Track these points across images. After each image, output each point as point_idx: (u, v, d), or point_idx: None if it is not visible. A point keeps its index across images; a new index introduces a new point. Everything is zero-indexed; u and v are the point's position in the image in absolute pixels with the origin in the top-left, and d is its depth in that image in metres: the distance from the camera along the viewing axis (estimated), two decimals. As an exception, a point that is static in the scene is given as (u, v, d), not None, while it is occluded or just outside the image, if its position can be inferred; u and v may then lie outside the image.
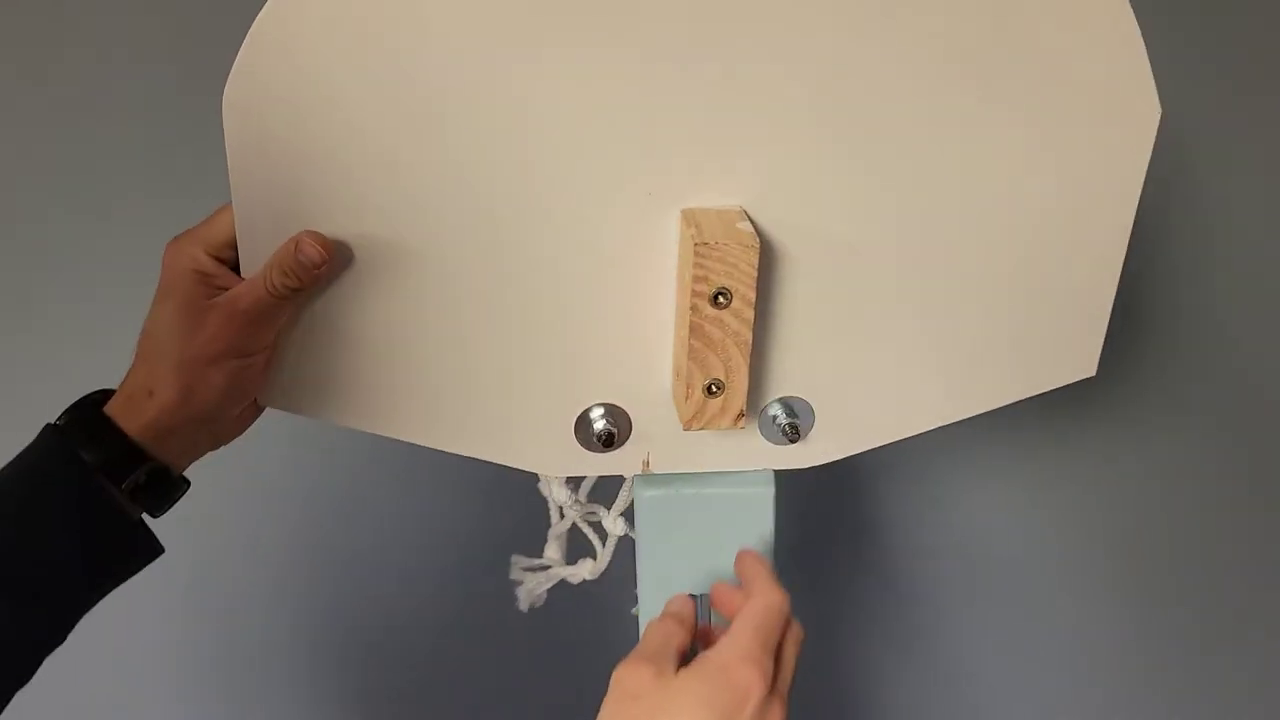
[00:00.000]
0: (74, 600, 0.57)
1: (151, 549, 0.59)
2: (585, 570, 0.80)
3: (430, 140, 0.57)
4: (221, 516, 0.99)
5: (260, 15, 0.54)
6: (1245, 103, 1.06)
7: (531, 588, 0.83)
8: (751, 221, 0.60)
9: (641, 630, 0.70)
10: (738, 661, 0.54)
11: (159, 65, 0.92)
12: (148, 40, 0.92)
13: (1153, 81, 0.60)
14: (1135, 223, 0.65)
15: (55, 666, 0.57)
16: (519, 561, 0.83)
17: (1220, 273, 1.12)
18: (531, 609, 0.83)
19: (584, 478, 0.74)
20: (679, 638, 0.58)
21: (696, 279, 0.57)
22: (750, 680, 0.53)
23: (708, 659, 0.55)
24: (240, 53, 0.54)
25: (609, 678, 0.55)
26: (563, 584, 0.79)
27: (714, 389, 0.61)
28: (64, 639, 0.57)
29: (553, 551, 0.81)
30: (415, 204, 0.59)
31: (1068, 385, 0.70)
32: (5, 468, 0.56)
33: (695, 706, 0.52)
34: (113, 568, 0.58)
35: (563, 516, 0.78)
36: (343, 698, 1.17)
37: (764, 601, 0.57)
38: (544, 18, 0.55)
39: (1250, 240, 1.11)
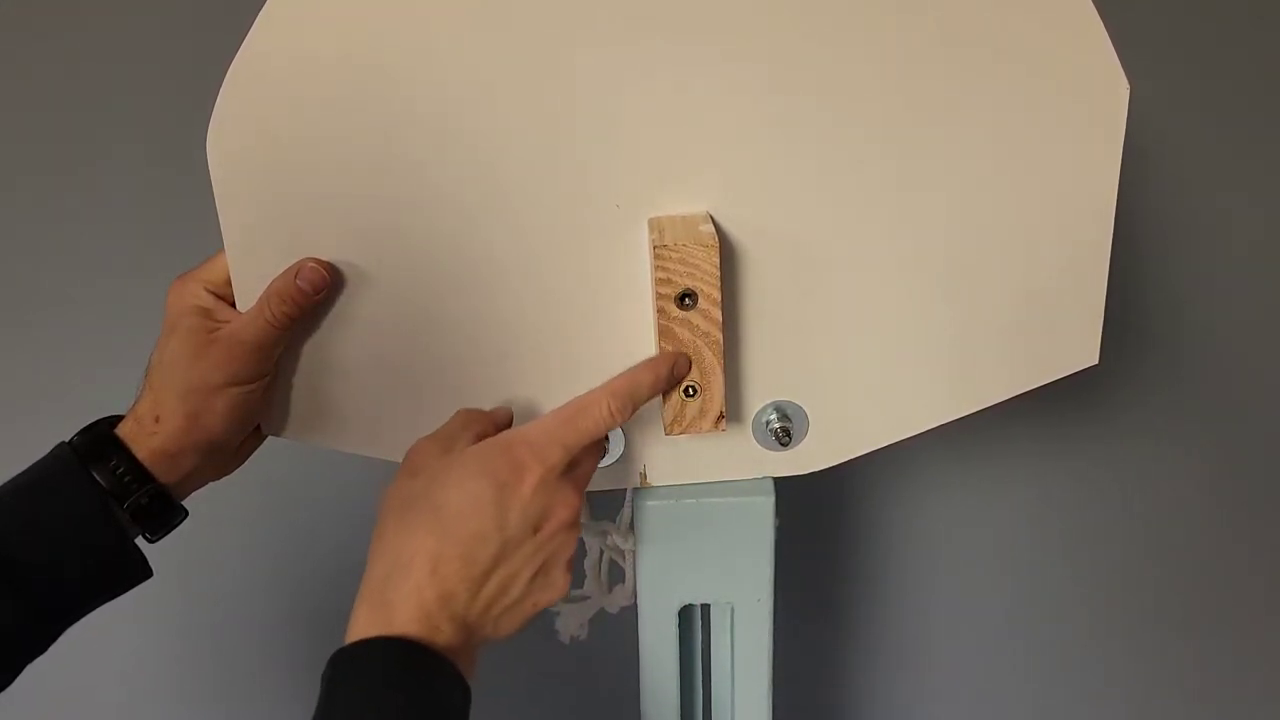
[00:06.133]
0: (65, 610, 0.59)
1: (143, 570, 0.61)
2: (620, 597, 0.80)
3: (408, 170, 0.60)
4: (216, 520, 1.00)
5: (236, 58, 0.57)
6: (1244, 105, 1.05)
7: (569, 618, 0.84)
8: (719, 226, 0.61)
9: (640, 631, 0.71)
10: (523, 441, 0.54)
11: (167, 71, 0.97)
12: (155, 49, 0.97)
13: (1115, 57, 0.60)
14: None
15: (56, 673, 0.59)
16: (558, 595, 0.83)
17: (1216, 276, 1.11)
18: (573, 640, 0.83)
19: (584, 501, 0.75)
20: (480, 425, 0.58)
21: (660, 281, 0.58)
22: (527, 458, 0.53)
23: (499, 436, 0.55)
24: (220, 95, 0.58)
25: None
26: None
27: (690, 391, 0.61)
28: (46, 647, 0.59)
29: (591, 583, 0.82)
30: (397, 232, 0.62)
31: (1069, 382, 0.68)
32: (16, 477, 0.59)
33: (470, 474, 0.53)
34: (106, 583, 0.60)
35: (601, 554, 0.78)
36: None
37: (579, 402, 0.56)
38: (501, 44, 0.58)
39: (1249, 243, 1.09)
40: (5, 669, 0.58)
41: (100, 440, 0.60)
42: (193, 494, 0.64)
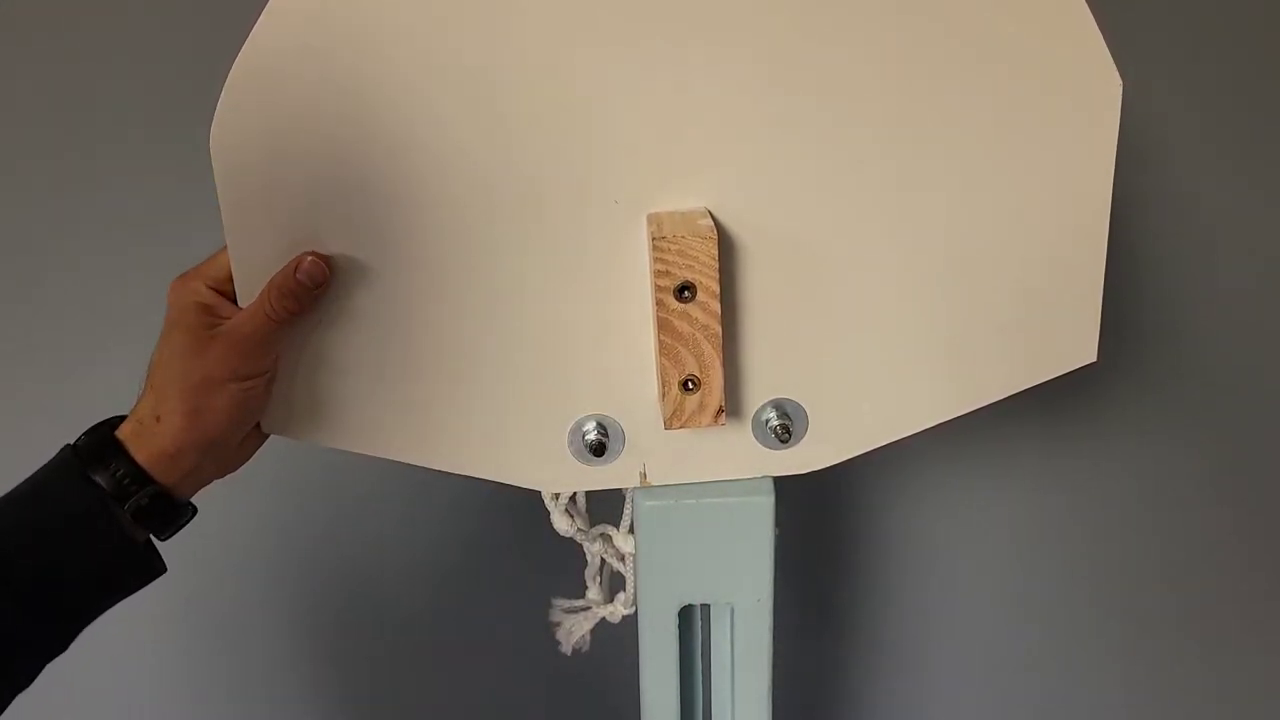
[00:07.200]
0: (77, 612, 0.60)
1: (153, 569, 0.62)
2: (621, 605, 0.80)
3: (409, 167, 0.61)
4: (219, 519, 1.02)
5: (240, 55, 0.58)
6: (1238, 101, 1.06)
7: (571, 628, 0.83)
8: (718, 223, 0.62)
9: (640, 632, 0.71)
10: None
11: (169, 72, 0.98)
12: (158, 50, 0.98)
13: (1109, 55, 0.61)
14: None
15: (57, 672, 0.59)
16: (559, 604, 0.83)
17: (1214, 273, 1.11)
18: (576, 651, 0.83)
19: (583, 508, 0.75)
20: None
21: (658, 274, 0.58)
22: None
23: None
24: (224, 92, 0.59)
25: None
26: (555, 586, 0.79)
27: (690, 385, 0.61)
28: (65, 647, 0.60)
29: (593, 592, 0.82)
30: (397, 228, 0.62)
31: (1067, 380, 0.69)
32: (23, 484, 0.60)
33: None
34: (115, 584, 0.61)
35: (603, 563, 0.78)
36: (344, 699, 1.18)
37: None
38: (502, 41, 0.59)
39: (1246, 240, 1.10)
40: (24, 671, 0.59)
41: (101, 443, 0.60)
42: (196, 492, 0.64)
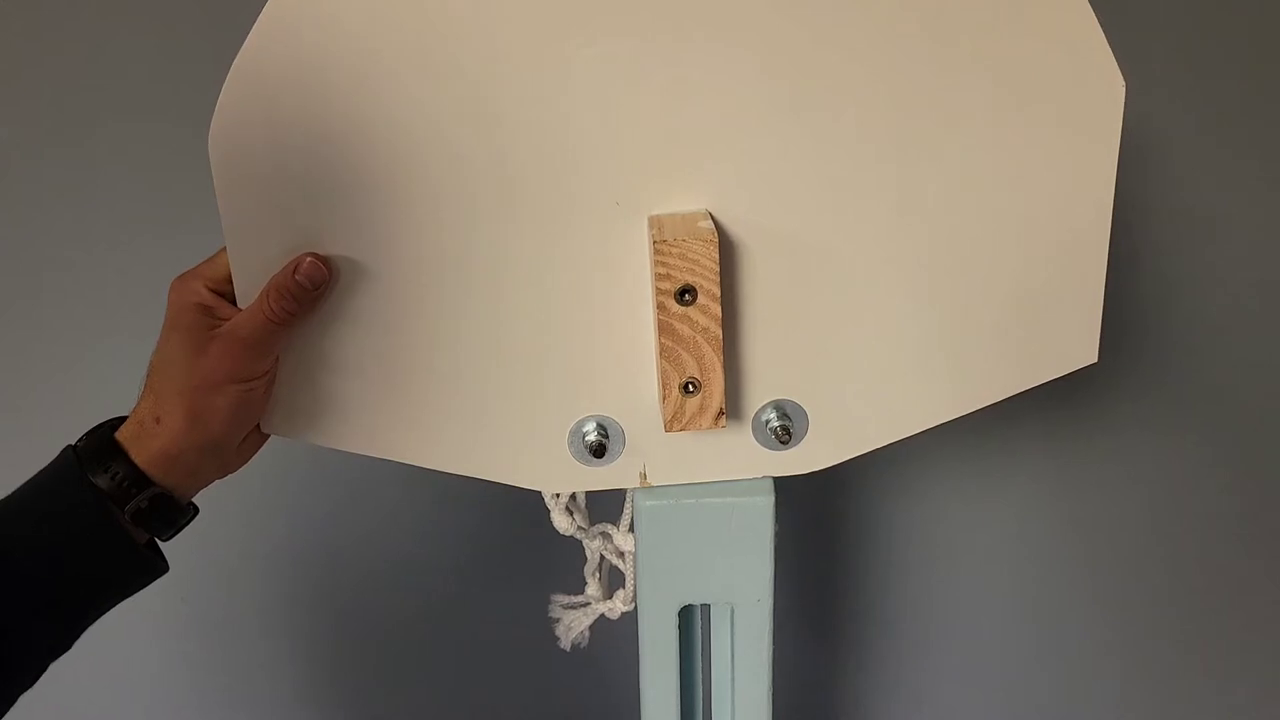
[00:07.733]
0: (81, 612, 0.60)
1: (155, 569, 0.62)
2: (620, 602, 0.80)
3: (409, 167, 0.61)
4: (219, 521, 1.02)
5: (240, 54, 0.58)
6: (1241, 102, 1.06)
7: (570, 624, 0.83)
8: (719, 224, 0.61)
9: (640, 632, 0.71)
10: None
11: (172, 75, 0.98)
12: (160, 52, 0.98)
13: (1112, 56, 0.60)
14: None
15: (55, 670, 0.60)
16: (558, 599, 0.83)
17: (1216, 274, 1.11)
18: (575, 646, 0.83)
19: (583, 505, 0.75)
20: None
21: (659, 277, 0.58)
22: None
23: None
24: (223, 91, 0.58)
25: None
26: (555, 583, 0.79)
27: (691, 388, 0.61)
28: (70, 646, 0.60)
29: (592, 588, 0.82)
30: (397, 229, 0.62)
31: (1069, 381, 0.69)
32: (24, 485, 0.60)
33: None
34: (117, 584, 0.61)
35: (602, 559, 0.78)
36: (343, 697, 1.19)
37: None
38: (500, 42, 0.58)
39: (1248, 240, 1.10)
40: (29, 669, 0.59)
41: (101, 445, 0.60)
42: (197, 493, 0.64)
